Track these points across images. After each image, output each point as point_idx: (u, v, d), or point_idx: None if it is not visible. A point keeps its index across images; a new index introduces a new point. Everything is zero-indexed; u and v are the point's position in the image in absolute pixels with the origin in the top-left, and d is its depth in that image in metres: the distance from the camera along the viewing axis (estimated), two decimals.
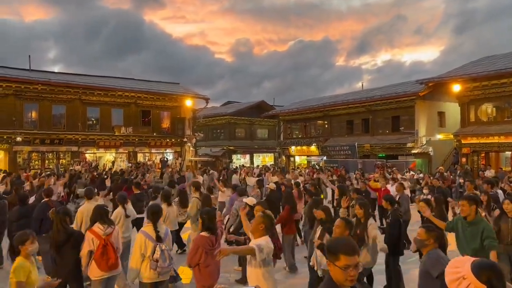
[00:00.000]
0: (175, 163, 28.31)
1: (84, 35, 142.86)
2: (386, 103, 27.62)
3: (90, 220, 5.55)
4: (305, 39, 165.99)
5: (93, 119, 27.59)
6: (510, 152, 22.87)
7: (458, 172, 20.05)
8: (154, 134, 29.77)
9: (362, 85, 77.61)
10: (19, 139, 23.70)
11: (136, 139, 28.67)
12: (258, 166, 35.09)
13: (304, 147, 33.57)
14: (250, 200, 7.02)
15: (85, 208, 6.96)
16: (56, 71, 32.52)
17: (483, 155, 23.80)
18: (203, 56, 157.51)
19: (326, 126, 33.09)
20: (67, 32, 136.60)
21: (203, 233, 5.09)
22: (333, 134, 32.02)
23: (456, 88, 23.40)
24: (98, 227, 5.29)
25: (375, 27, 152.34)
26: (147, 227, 5.27)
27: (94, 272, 5.15)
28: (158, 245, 5.03)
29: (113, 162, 27.50)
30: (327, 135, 32.34)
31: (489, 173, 19.07)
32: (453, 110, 25.97)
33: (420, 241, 4.24)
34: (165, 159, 28.01)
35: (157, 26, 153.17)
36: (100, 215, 5.45)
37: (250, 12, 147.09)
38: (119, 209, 7.17)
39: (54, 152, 25.66)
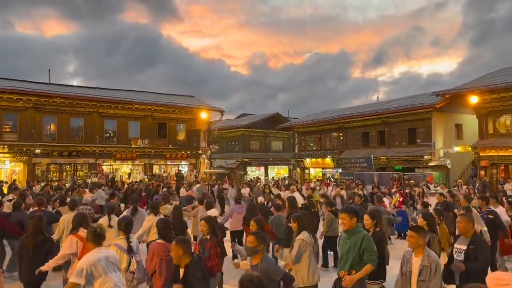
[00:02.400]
0: (190, 175, 28.32)
1: (103, 49, 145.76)
2: (402, 115, 27.35)
3: (73, 226, 5.92)
4: (321, 51, 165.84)
5: (110, 132, 27.87)
6: None
7: (477, 185, 19.59)
8: (170, 146, 29.93)
9: (378, 97, 77.81)
10: (38, 151, 23.96)
11: (152, 151, 28.83)
12: (273, 178, 34.95)
13: (319, 159, 33.38)
14: (212, 212, 7.43)
15: (67, 216, 7.28)
16: (75, 84, 33.35)
17: (502, 168, 23.38)
18: (219, 69, 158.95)
19: (341, 138, 32.88)
20: (86, 46, 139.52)
21: (159, 241, 5.41)
22: (348, 147, 31.82)
23: (474, 100, 23.06)
24: (82, 231, 5.55)
25: (392, 38, 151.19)
26: (120, 239, 5.41)
27: None
28: (133, 257, 5.24)
29: (129, 174, 27.80)
30: (342, 147, 32.15)
31: (509, 186, 18.83)
32: (470, 122, 25.75)
33: (251, 249, 4.47)
34: (181, 173, 28.06)
35: (174, 40, 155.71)
36: (83, 221, 5.88)
37: (265, 25, 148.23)
38: (105, 218, 7.41)
39: (72, 164, 25.95)
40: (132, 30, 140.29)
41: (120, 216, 7.00)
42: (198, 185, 20.38)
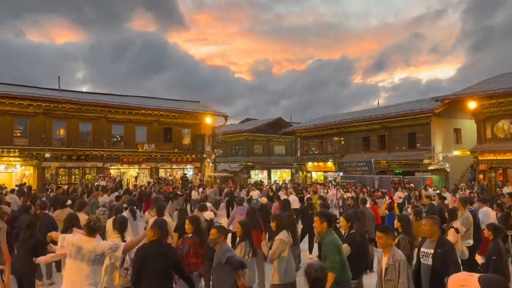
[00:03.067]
0: (195, 179, 28.60)
1: (111, 56, 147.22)
2: (402, 120, 27.55)
3: (64, 226, 6.32)
4: (323, 58, 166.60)
5: (117, 136, 28.28)
6: None
7: (476, 188, 19.58)
8: (175, 150, 30.28)
9: (378, 102, 78.31)
10: (47, 155, 24.50)
11: (158, 155, 29.23)
12: (275, 181, 35.26)
13: (321, 163, 33.55)
14: (208, 215, 7.49)
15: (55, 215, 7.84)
16: (84, 90, 33.73)
17: (500, 171, 23.44)
18: (223, 76, 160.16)
19: (343, 142, 33.07)
20: (95, 53, 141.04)
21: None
22: (349, 151, 31.95)
23: (472, 105, 23.27)
24: (76, 231, 5.70)
25: (392, 45, 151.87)
26: (115, 238, 5.48)
27: None
28: (127, 255, 5.25)
29: (136, 178, 28.11)
30: (343, 152, 32.28)
31: (507, 189, 18.60)
32: (469, 127, 25.87)
33: (213, 240, 4.92)
34: (186, 176, 28.40)
35: (180, 47, 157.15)
36: (75, 221, 6.26)
37: (268, 33, 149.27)
38: (111, 219, 7.60)
39: (80, 168, 26.36)
40: (139, 37, 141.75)
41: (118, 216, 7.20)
42: (211, 189, 20.95)
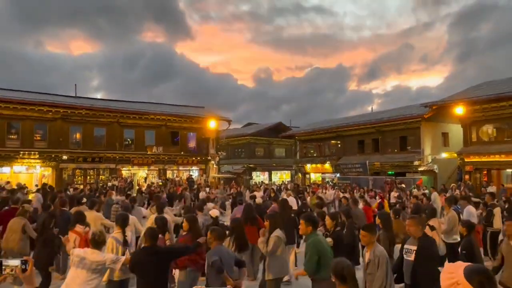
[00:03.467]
0: (200, 180, 29.28)
1: (123, 65, 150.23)
2: (394, 125, 28.06)
3: (71, 223, 6.60)
4: (320, 66, 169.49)
5: (128, 140, 28.94)
6: (511, 170, 23.11)
7: (462, 188, 20.04)
8: (182, 153, 30.85)
9: (372, 108, 79.40)
10: (65, 157, 25.38)
11: (166, 158, 29.82)
12: (274, 183, 36.04)
13: (319, 165, 33.94)
14: (213, 212, 7.58)
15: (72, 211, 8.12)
16: (98, 97, 34.47)
17: (485, 172, 24.07)
18: (227, 83, 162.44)
19: (339, 145, 33.41)
20: (109, 63, 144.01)
21: (160, 236, 5.68)
22: (345, 153, 32.25)
23: (459, 110, 23.56)
24: (78, 227, 6.30)
25: (384, 55, 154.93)
26: (117, 233, 5.69)
27: None
28: (127, 249, 5.55)
29: (145, 178, 28.77)
30: (340, 154, 32.60)
31: (491, 189, 18.93)
32: (456, 131, 26.30)
33: (208, 241, 5.06)
34: (191, 177, 28.95)
35: (187, 56, 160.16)
36: (80, 218, 6.50)
37: (269, 43, 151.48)
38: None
39: (95, 169, 27.08)
40: (149, 48, 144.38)
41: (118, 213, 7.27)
42: (218, 189, 21.68)
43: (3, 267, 2.28)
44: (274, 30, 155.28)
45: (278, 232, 5.75)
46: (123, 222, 5.82)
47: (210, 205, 10.31)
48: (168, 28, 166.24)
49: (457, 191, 18.02)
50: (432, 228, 7.22)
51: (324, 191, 22.46)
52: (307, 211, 9.32)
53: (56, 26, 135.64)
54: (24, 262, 2.31)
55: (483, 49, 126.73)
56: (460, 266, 1.88)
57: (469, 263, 1.94)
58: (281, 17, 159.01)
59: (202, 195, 19.16)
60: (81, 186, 21.47)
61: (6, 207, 9.42)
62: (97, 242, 4.82)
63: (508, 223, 5.37)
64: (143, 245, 4.89)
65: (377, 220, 6.71)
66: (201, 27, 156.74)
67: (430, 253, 4.79)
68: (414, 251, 4.84)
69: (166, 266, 4.76)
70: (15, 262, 2.32)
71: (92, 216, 7.48)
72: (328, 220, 6.41)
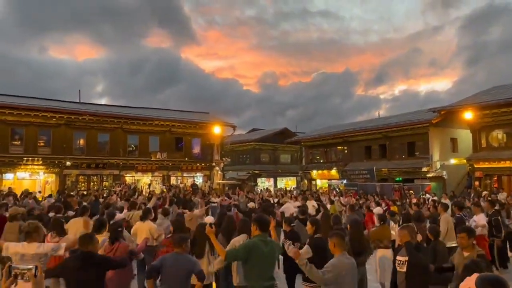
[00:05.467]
0: (205, 186, 29.13)
1: (128, 71, 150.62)
2: (402, 130, 27.80)
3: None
4: (327, 71, 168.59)
5: (132, 146, 28.90)
6: None
7: (472, 195, 19.95)
8: (186, 159, 30.77)
9: (379, 113, 79.01)
10: (68, 163, 25.35)
11: (170, 164, 29.76)
12: (279, 189, 35.81)
13: (325, 171, 33.77)
14: (208, 219, 7.65)
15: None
16: (102, 103, 34.72)
17: (495, 178, 23.81)
18: (232, 88, 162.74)
19: (346, 151, 33.25)
20: (113, 68, 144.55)
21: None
22: (352, 159, 32.07)
23: (468, 115, 23.49)
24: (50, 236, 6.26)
25: (392, 59, 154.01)
26: (101, 237, 5.66)
27: None
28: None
29: (149, 185, 28.71)
30: (346, 160, 32.41)
31: (502, 195, 18.64)
32: (465, 136, 26.10)
33: None
34: (196, 184, 28.82)
35: (192, 62, 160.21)
36: (57, 227, 6.40)
37: (275, 48, 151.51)
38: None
39: (98, 175, 27.05)
40: (154, 53, 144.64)
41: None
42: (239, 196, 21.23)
43: (12, 270, 2.39)
44: (279, 35, 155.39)
45: (241, 238, 5.75)
46: (100, 228, 5.94)
47: (209, 218, 9.64)
48: (173, 33, 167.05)
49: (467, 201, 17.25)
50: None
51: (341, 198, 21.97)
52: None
53: (60, 31, 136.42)
54: (36, 268, 2.44)
55: (493, 53, 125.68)
56: (475, 276, 1.98)
57: (486, 273, 2.06)
58: (286, 22, 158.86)
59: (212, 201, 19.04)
60: (85, 193, 21.30)
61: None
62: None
63: (461, 235, 5.11)
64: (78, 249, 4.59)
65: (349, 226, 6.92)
66: (206, 32, 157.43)
67: (421, 263, 4.71)
68: (406, 262, 4.79)
69: (97, 275, 4.38)
70: (27, 267, 2.44)
71: (82, 223, 7.38)
72: (308, 225, 6.25)
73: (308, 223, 6.31)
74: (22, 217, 7.66)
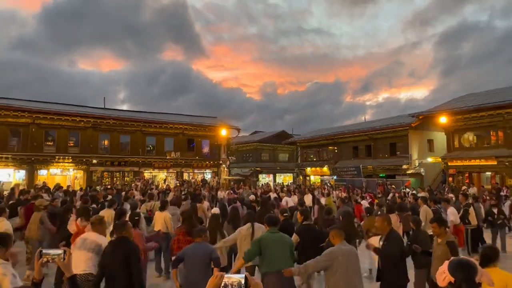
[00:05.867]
0: (213, 181, 29.24)
1: (146, 80, 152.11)
2: (385, 132, 27.98)
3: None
4: (320, 81, 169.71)
5: (150, 146, 28.81)
6: (489, 173, 22.98)
7: (446, 189, 20.21)
8: (197, 157, 30.67)
9: (365, 118, 79.16)
10: (94, 161, 25.45)
11: (183, 162, 29.70)
12: (277, 184, 35.84)
13: (318, 168, 33.89)
14: (215, 210, 7.34)
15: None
16: (124, 109, 34.71)
17: (467, 175, 23.94)
18: (236, 96, 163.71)
19: (336, 151, 33.32)
20: (133, 78, 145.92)
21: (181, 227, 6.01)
22: (341, 158, 32.18)
23: (442, 120, 23.73)
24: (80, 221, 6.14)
25: (376, 71, 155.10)
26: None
27: None
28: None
29: (164, 180, 28.64)
30: (336, 159, 32.49)
31: (472, 190, 18.99)
32: (440, 138, 26.26)
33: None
34: (205, 179, 28.71)
35: (202, 73, 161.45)
36: (85, 213, 6.17)
37: (275, 61, 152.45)
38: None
39: (121, 172, 27.02)
40: (169, 65, 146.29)
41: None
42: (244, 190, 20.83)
43: (43, 255, 2.37)
44: (278, 49, 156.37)
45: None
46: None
47: (216, 209, 9.99)
48: (185, 48, 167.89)
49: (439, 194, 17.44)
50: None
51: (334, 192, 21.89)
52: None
53: (87, 47, 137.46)
54: (64, 252, 2.41)
55: (465, 65, 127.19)
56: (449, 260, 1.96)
57: (457, 257, 2.03)
58: (284, 38, 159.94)
59: (220, 195, 18.93)
60: (108, 187, 21.14)
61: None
62: (94, 224, 4.80)
63: (433, 225, 5.14)
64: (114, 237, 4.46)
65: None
66: (214, 47, 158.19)
67: (395, 247, 4.67)
68: (382, 246, 4.83)
69: (128, 258, 4.15)
70: (57, 252, 2.41)
71: (109, 215, 7.28)
72: (298, 215, 6.28)
73: (298, 213, 6.25)
74: (44, 208, 7.65)
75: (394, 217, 7.72)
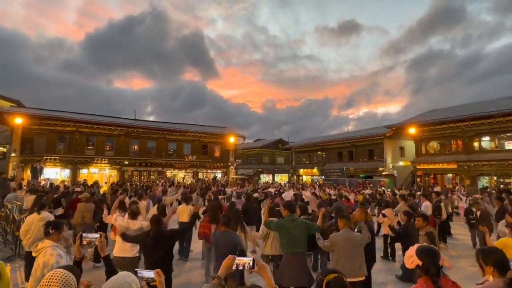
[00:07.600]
0: (223, 180, 29.21)
1: (169, 96, 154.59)
2: (364, 141, 27.79)
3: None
4: (311, 98, 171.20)
5: (172, 150, 28.74)
6: (451, 175, 22.78)
7: (415, 188, 20.10)
8: (209, 160, 30.61)
9: (348, 128, 78.92)
10: (126, 162, 25.47)
11: (198, 163, 29.60)
12: (276, 181, 35.61)
13: (309, 170, 33.70)
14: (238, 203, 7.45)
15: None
16: (151, 119, 34.60)
17: (432, 176, 23.66)
18: (243, 110, 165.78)
19: (324, 155, 33.14)
20: (159, 95, 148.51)
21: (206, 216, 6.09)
22: (329, 161, 32.02)
23: (412, 130, 23.54)
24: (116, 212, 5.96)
25: (358, 90, 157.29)
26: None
27: None
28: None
29: (183, 179, 28.73)
30: (324, 162, 32.39)
31: (436, 188, 18.22)
32: (410, 146, 26.08)
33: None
34: (216, 178, 28.75)
35: (214, 91, 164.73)
36: (121, 205, 6.04)
37: (275, 81, 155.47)
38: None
39: (147, 171, 26.95)
40: (188, 84, 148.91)
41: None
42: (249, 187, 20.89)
43: (83, 239, 2.32)
44: (277, 72, 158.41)
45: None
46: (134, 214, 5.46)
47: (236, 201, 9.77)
48: (201, 70, 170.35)
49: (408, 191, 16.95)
50: (384, 215, 7.14)
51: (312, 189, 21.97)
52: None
53: (122, 69, 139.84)
54: (101, 236, 2.38)
55: (431, 85, 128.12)
56: (416, 246, 1.97)
57: (424, 244, 2.02)
58: (282, 63, 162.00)
59: (228, 191, 18.79)
60: (137, 183, 21.21)
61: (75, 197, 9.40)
62: (134, 213, 4.78)
63: (418, 219, 5.18)
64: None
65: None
66: (225, 70, 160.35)
67: (365, 234, 4.55)
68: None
69: (169, 246, 4.08)
70: (95, 235, 2.36)
71: (142, 206, 7.12)
72: (282, 208, 5.90)
73: (282, 206, 5.99)
74: (85, 200, 7.59)
75: (389, 211, 7.58)
